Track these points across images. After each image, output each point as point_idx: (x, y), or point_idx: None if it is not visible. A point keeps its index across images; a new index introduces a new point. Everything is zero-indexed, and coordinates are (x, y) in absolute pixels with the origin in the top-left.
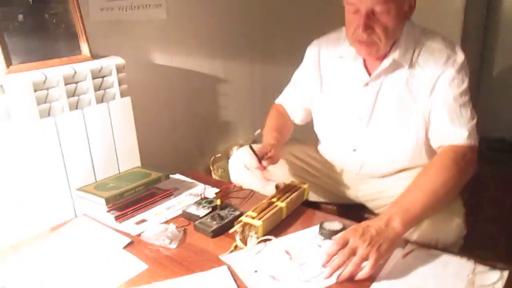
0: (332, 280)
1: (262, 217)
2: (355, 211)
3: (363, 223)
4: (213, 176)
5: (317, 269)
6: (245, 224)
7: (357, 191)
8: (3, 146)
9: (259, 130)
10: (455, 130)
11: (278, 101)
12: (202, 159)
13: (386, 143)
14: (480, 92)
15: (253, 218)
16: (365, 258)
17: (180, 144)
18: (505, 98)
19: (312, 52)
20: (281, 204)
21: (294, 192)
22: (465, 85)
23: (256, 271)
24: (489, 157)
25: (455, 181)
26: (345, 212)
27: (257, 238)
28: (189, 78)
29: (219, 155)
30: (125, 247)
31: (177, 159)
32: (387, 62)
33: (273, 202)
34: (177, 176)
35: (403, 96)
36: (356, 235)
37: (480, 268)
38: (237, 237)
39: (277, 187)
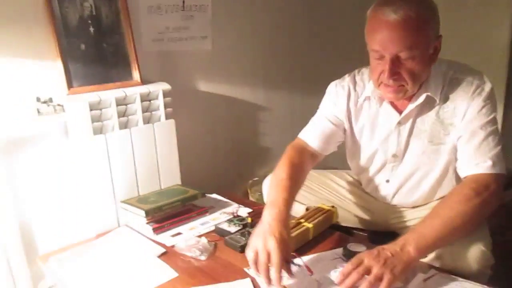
0: None
1: None
2: (386, 238)
3: (379, 247)
4: (250, 199)
5: None
6: None
7: (388, 219)
8: (60, 158)
9: None
10: (479, 160)
11: (302, 136)
12: (241, 182)
13: (419, 174)
14: None
15: None
16: (380, 278)
17: (220, 167)
18: None
19: (340, 91)
20: (308, 225)
21: (322, 215)
22: (493, 114)
23: None
24: None
25: (475, 211)
26: (376, 239)
27: None
28: (231, 105)
29: (257, 178)
30: (159, 256)
31: (216, 181)
32: (420, 99)
33: (301, 223)
34: (214, 195)
35: (435, 129)
36: (371, 256)
37: None
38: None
39: (307, 209)
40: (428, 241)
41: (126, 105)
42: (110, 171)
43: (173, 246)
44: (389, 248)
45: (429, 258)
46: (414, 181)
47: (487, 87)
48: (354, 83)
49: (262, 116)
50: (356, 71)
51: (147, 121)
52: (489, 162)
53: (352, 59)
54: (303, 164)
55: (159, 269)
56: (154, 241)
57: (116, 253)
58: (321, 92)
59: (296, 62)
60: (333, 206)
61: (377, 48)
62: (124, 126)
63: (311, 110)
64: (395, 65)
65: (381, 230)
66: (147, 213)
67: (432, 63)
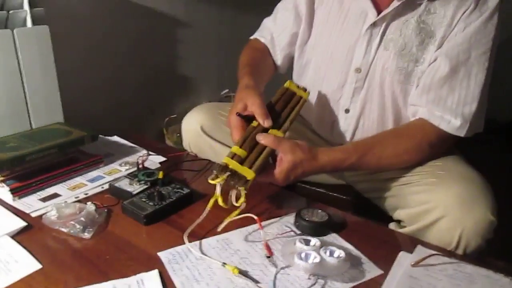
0: None
1: (254, 159)
2: (339, 193)
3: (302, 162)
4: (167, 142)
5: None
6: (232, 171)
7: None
8: None
9: (226, 90)
10: (447, 113)
11: (255, 35)
12: (153, 121)
13: (386, 103)
14: None
15: (242, 160)
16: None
17: (124, 100)
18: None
19: None
20: (279, 134)
21: (293, 109)
22: (490, 43)
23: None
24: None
25: (415, 162)
26: (326, 195)
27: (245, 194)
28: (140, 15)
29: (175, 116)
30: (16, 235)
31: (118, 119)
32: None
33: (267, 129)
34: (115, 138)
35: (409, 38)
36: (284, 172)
37: None
38: (218, 189)
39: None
40: (345, 169)
41: None
42: None
43: (40, 217)
44: (307, 166)
45: (416, 226)
46: (380, 114)
47: (492, 1)
48: None
49: (182, 35)
50: None
51: (2, 25)
52: (458, 122)
53: None
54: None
55: (10, 258)
56: (11, 208)
57: None
58: (257, 12)
59: None
60: (304, 89)
61: None
62: None
63: (244, 34)
64: None
65: (332, 184)
66: (1, 166)
67: None
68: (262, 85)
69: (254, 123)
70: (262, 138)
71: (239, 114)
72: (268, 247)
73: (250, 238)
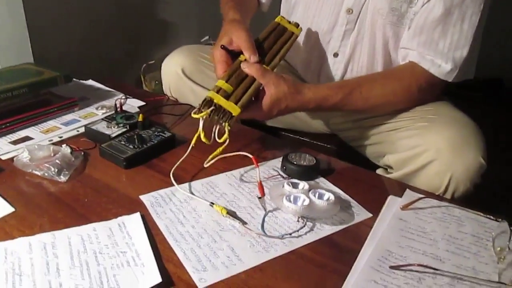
0: (306, 240)
1: (240, 95)
2: (323, 142)
3: (285, 101)
4: (145, 89)
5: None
6: (217, 106)
7: (328, 118)
8: None
9: (206, 37)
10: (438, 57)
11: None
12: (131, 66)
13: (377, 47)
14: None
15: (227, 95)
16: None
17: (100, 44)
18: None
19: None
20: (267, 68)
21: (283, 45)
22: None
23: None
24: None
25: (402, 106)
26: (310, 144)
27: (229, 130)
28: None
29: (153, 61)
30: None
31: (95, 65)
32: None
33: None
34: (90, 82)
35: None
36: (268, 109)
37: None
38: (201, 124)
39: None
40: (325, 108)
41: None
42: None
43: (12, 160)
44: (291, 101)
45: (405, 171)
46: (372, 59)
47: None
48: None
49: None
50: None
51: None
52: (448, 66)
53: None
54: None
55: None
56: None
57: None
58: None
59: None
60: (296, 24)
61: None
62: None
63: None
64: None
65: (316, 133)
66: None
67: None
68: (247, 20)
69: (241, 57)
70: (246, 66)
71: (224, 47)
72: (261, 187)
73: (236, 181)
